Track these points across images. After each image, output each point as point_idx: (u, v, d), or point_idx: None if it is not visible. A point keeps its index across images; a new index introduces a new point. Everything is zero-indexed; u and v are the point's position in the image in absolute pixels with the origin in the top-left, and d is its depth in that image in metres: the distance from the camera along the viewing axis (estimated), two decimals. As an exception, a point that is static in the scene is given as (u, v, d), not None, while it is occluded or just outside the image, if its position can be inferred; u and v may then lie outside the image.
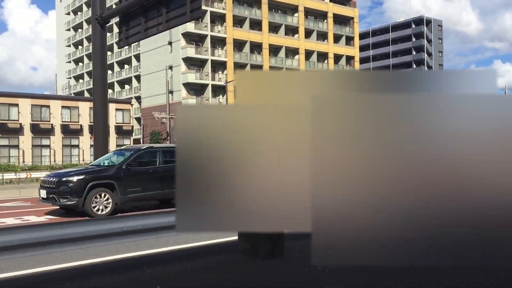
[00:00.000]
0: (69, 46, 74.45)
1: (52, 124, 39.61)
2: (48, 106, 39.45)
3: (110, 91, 65.42)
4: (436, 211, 1.27)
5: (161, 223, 5.61)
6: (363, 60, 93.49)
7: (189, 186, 1.32)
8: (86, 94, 68.23)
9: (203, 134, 1.32)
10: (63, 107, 40.34)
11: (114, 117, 42.95)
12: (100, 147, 16.49)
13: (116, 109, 43.33)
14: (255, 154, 1.33)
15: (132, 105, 47.11)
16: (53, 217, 10.18)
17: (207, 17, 50.26)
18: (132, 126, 45.58)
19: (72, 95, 68.42)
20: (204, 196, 1.33)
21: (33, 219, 9.76)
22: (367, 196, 1.28)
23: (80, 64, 72.59)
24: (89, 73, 70.12)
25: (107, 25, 15.42)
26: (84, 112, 41.28)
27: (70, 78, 74.31)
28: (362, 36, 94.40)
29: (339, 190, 1.28)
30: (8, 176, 21.42)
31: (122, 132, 43.58)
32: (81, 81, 72.29)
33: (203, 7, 49.97)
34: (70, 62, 74.63)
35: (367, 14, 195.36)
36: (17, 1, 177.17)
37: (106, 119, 16.40)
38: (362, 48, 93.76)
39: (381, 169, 1.25)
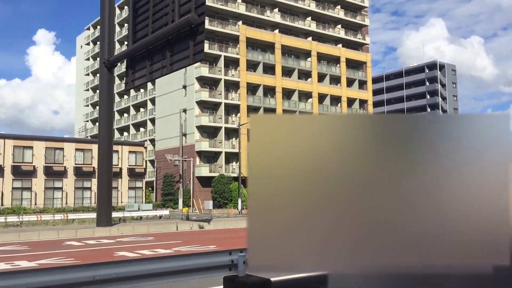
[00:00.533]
0: (87, 90, 76.33)
1: (65, 167, 39.93)
2: (62, 149, 39.90)
3: (125, 133, 66.33)
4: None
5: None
6: (377, 104, 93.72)
7: (262, 220, 1.22)
8: (102, 137, 69.19)
9: (279, 150, 1.22)
10: (76, 149, 40.79)
11: (127, 159, 43.20)
12: (104, 189, 16.39)
13: (129, 152, 43.63)
14: (347, 176, 1.23)
15: (145, 147, 47.44)
16: (45, 261, 9.88)
17: (221, 62, 51.19)
18: (145, 169, 45.68)
19: (89, 138, 69.44)
20: (281, 231, 1.22)
21: (24, 264, 9.47)
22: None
23: (98, 107, 74.06)
24: (105, 116, 71.42)
25: (115, 68, 15.64)
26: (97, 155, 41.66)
27: (87, 121, 75.71)
28: (376, 80, 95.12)
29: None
30: (12, 219, 21.27)
31: (134, 174, 43.65)
32: (98, 124, 73.50)
33: (218, 52, 51.14)
34: (88, 105, 76.27)
35: (382, 60, 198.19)
36: (41, 48, 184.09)
37: (111, 161, 16.36)
38: (376, 92, 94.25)
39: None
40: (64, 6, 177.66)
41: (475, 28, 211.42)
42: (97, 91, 73.73)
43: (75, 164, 40.47)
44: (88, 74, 76.27)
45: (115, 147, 44.01)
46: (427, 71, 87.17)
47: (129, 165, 43.34)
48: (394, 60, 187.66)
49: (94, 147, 41.99)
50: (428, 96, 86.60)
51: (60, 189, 39.88)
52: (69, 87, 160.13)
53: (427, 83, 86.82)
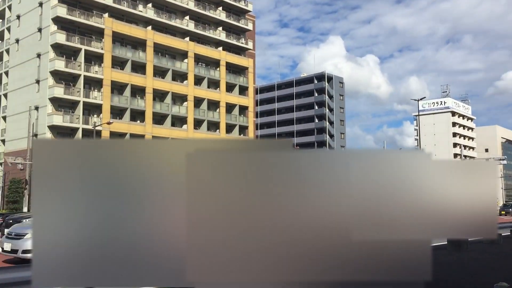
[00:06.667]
0: None
1: None
2: None
3: (-23, 133, 58.18)
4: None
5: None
6: (269, 113, 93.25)
7: (47, 233, 1.20)
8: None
9: (65, 173, 1.22)
10: None
11: (-51, 161, 36.71)
12: None
13: (-47, 152, 37.15)
14: (125, 195, 1.26)
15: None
16: None
17: (81, 56, 46.22)
18: (-27, 173, 39.30)
19: None
20: (66, 244, 1.22)
21: None
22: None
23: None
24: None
25: None
26: None
27: None
28: (269, 89, 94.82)
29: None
30: None
31: (-42, 178, 37.20)
32: None
33: (78, 45, 46.12)
34: None
35: (290, 73, 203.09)
36: None
37: None
38: (268, 101, 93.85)
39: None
40: None
41: (374, 48, 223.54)
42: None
43: None
44: None
45: None
46: (316, 82, 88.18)
47: (-49, 168, 36.82)
48: (297, 74, 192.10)
49: None
50: (316, 107, 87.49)
51: None
52: None
53: (316, 94, 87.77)
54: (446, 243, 16.02)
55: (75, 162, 1.19)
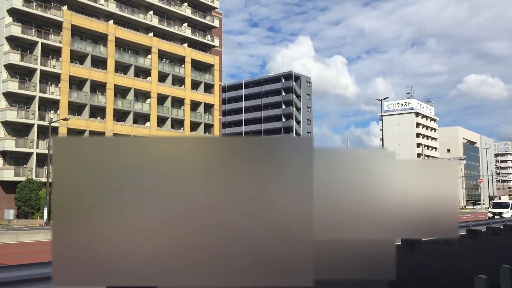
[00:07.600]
0: None
1: None
2: None
3: None
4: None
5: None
6: (236, 111, 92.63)
7: (68, 232, 1.18)
8: None
9: (84, 172, 1.20)
10: None
11: None
12: None
13: None
14: (147, 196, 1.22)
15: None
16: None
17: (38, 49, 44.37)
18: None
19: None
20: (86, 243, 1.21)
21: None
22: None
23: None
24: None
25: None
26: None
27: None
28: (236, 87, 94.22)
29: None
30: None
31: None
32: None
33: (34, 38, 44.25)
34: None
35: (259, 72, 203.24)
36: None
37: None
38: (236, 99, 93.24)
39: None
40: None
41: (342, 49, 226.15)
42: None
43: None
44: None
45: None
46: (283, 81, 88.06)
47: None
48: (266, 73, 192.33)
49: None
50: (283, 106, 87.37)
51: None
52: None
53: (283, 93, 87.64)
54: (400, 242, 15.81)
55: (96, 159, 1.15)
